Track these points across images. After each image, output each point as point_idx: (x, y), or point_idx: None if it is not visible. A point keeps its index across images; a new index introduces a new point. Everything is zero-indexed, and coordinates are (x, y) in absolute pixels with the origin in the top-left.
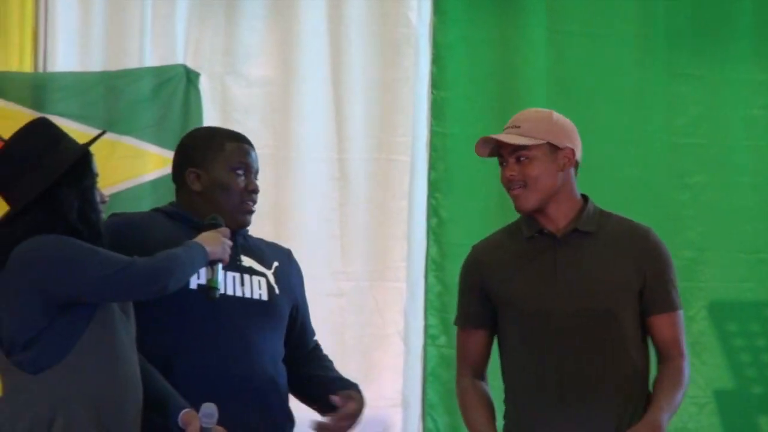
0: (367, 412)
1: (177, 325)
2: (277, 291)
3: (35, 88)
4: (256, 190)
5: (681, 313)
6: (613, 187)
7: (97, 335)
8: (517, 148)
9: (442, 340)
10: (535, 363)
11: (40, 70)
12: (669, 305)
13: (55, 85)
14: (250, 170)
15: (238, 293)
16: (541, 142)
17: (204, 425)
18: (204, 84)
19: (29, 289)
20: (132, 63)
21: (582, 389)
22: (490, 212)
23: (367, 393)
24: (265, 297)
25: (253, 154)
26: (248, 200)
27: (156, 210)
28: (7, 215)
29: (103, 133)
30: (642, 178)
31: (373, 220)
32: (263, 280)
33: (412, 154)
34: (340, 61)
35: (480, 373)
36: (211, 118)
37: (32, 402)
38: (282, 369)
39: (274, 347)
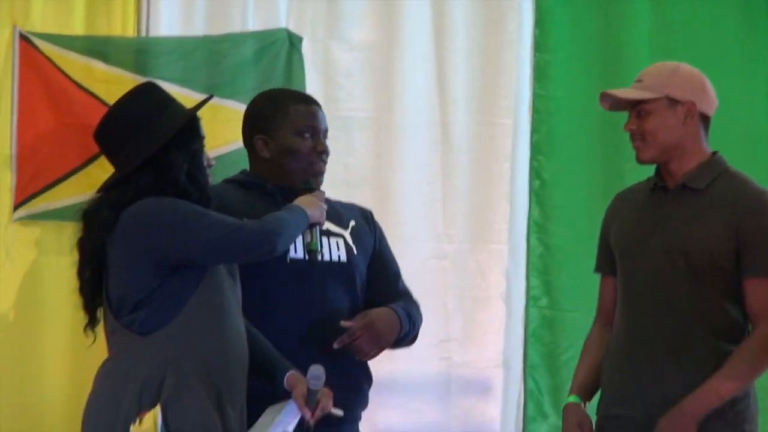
0: (469, 373)
1: (260, 290)
2: (355, 251)
3: (138, 52)
4: (324, 151)
5: None
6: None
7: (205, 297)
8: (636, 102)
9: (544, 301)
10: (623, 318)
11: (143, 34)
12: (760, 269)
13: (158, 49)
14: (317, 131)
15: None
16: (659, 95)
17: (311, 387)
18: (306, 48)
19: (141, 251)
20: (234, 27)
21: (654, 349)
22: (592, 174)
23: (468, 354)
24: (344, 258)
25: (320, 114)
26: (317, 161)
27: (227, 181)
28: (113, 178)
29: (210, 97)
30: (746, 141)
31: (476, 183)
32: (341, 241)
33: (515, 117)
34: (442, 24)
35: (611, 320)
36: (313, 82)
37: (142, 363)
38: None
39: (354, 308)
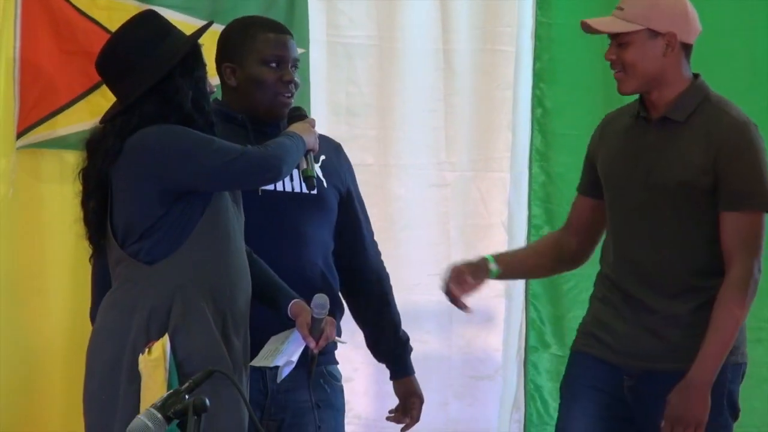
0: (471, 303)
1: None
2: (325, 184)
3: None
4: (291, 81)
5: (755, 217)
6: None
7: (210, 225)
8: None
9: (546, 230)
10: (610, 247)
11: None
12: (732, 204)
13: None
14: (284, 61)
15: (287, 188)
16: (639, 27)
17: (316, 316)
18: None
19: (146, 178)
20: None
21: (635, 282)
22: (594, 101)
23: None
24: (314, 190)
25: (290, 43)
26: (284, 92)
27: None
28: (117, 107)
29: (210, 24)
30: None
31: (478, 110)
32: None
33: (517, 44)
34: None
35: (574, 232)
36: (316, 9)
37: (148, 292)
38: (331, 261)
39: (323, 240)
